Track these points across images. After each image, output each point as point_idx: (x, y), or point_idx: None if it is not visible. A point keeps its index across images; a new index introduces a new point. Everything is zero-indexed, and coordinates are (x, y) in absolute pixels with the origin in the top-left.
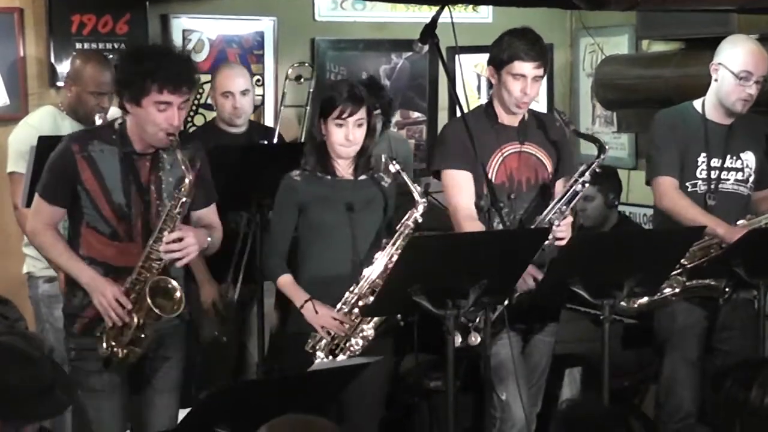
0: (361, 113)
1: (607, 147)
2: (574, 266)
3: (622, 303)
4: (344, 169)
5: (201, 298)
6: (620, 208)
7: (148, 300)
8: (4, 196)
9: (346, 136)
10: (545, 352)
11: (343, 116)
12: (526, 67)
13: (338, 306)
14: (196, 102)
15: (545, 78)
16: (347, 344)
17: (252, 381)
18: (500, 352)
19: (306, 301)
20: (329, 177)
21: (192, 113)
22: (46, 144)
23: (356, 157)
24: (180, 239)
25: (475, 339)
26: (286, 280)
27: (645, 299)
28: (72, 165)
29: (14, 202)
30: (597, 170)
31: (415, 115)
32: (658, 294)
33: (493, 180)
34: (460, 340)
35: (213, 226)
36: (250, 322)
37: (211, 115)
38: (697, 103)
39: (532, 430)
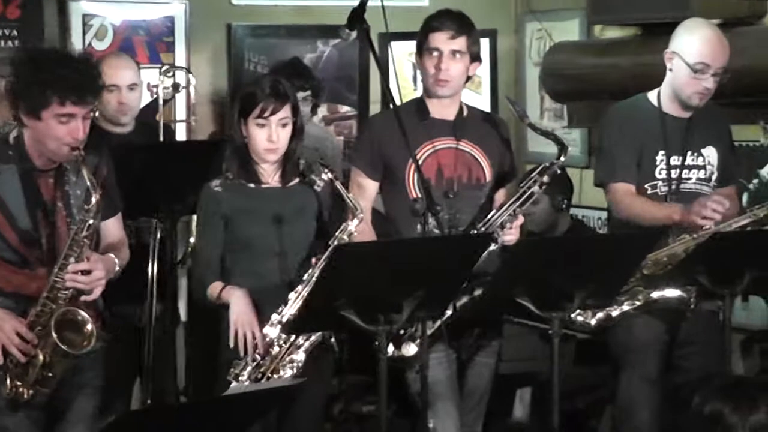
0: (286, 111)
1: (568, 146)
2: (519, 275)
3: (580, 318)
4: (270, 175)
5: None
6: (572, 211)
7: (54, 335)
8: None
9: (269, 137)
10: (485, 375)
11: (265, 115)
12: (439, 39)
13: (266, 329)
14: None
15: (488, 68)
16: (274, 373)
17: (157, 407)
18: (430, 372)
19: (240, 295)
20: (253, 185)
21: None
22: None
23: (283, 161)
24: (88, 271)
25: (410, 349)
26: (215, 286)
27: (602, 314)
28: None
29: None
30: (557, 171)
31: (344, 109)
32: (616, 308)
33: (416, 176)
34: (392, 349)
35: (118, 245)
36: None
37: None
38: (652, 95)
39: None
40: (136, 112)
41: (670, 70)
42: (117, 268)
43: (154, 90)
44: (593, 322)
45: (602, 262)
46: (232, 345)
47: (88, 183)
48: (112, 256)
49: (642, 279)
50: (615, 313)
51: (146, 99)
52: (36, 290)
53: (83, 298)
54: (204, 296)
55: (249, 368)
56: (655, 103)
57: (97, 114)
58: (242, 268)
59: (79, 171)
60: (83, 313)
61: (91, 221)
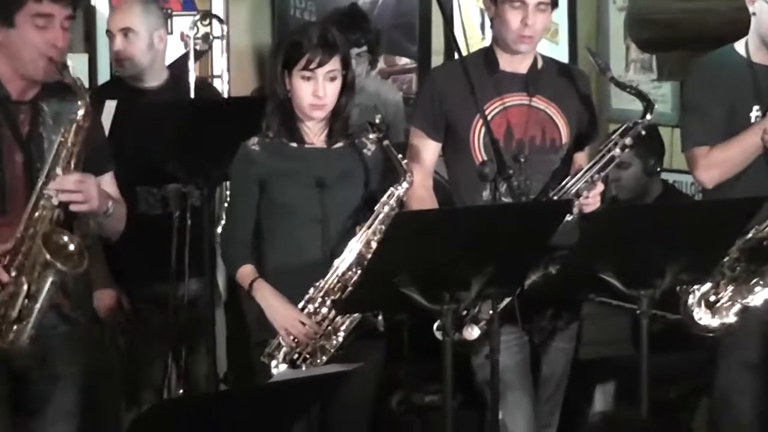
0: (335, 63)
1: (655, 103)
2: (602, 248)
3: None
4: (315, 134)
5: (94, 303)
6: (662, 175)
7: (45, 252)
8: None
9: (315, 92)
10: (561, 361)
11: (312, 67)
12: None
13: (301, 304)
14: None
15: (566, 14)
16: (312, 355)
17: (195, 396)
18: (499, 359)
19: (270, 296)
20: (295, 145)
21: None
22: None
23: (330, 119)
24: (81, 180)
25: (473, 332)
26: (245, 272)
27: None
28: None
29: None
30: (642, 132)
31: (403, 61)
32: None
33: (482, 137)
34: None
35: (109, 196)
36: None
37: None
38: (739, 45)
39: None
40: (138, 62)
41: (754, 14)
42: (110, 205)
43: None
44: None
45: (698, 232)
46: (285, 344)
47: (73, 86)
48: (105, 193)
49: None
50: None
51: (180, 50)
52: None
53: (73, 207)
54: (234, 276)
55: (284, 349)
56: (743, 53)
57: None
58: (279, 235)
59: (57, 114)
60: (68, 233)
61: (81, 123)
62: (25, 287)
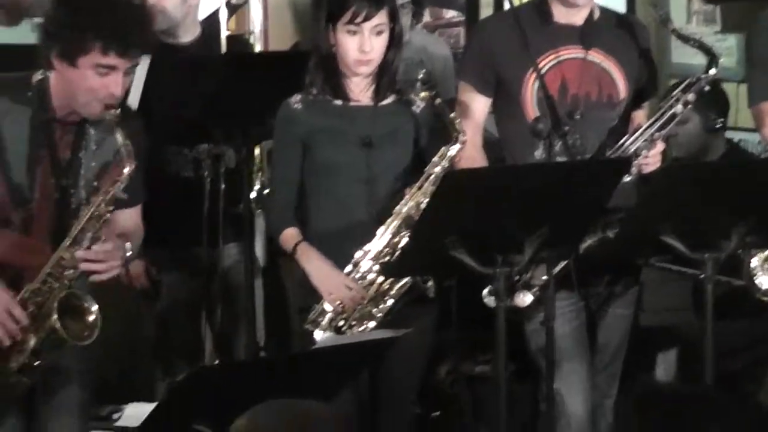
0: (381, 16)
1: (720, 57)
2: (664, 209)
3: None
4: (360, 91)
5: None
6: (727, 134)
7: (55, 318)
8: None
9: (361, 46)
10: (620, 329)
11: (357, 20)
12: None
13: (348, 268)
14: None
15: None
16: (358, 321)
17: (235, 363)
18: (554, 326)
19: (315, 260)
20: (340, 103)
21: None
22: None
23: (377, 75)
24: (106, 254)
25: (525, 298)
26: (289, 235)
27: None
28: None
29: None
30: (705, 88)
31: (450, 14)
32: None
33: (535, 92)
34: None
35: (132, 232)
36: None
37: None
38: None
39: (603, 429)
40: (171, 16)
41: None
42: (129, 254)
43: None
44: None
45: (766, 191)
46: (330, 310)
47: (122, 148)
48: (122, 242)
49: None
50: None
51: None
52: (6, 259)
53: (94, 278)
54: (277, 240)
55: (329, 315)
56: None
57: None
58: (324, 197)
59: (102, 140)
60: (89, 299)
61: (120, 195)
62: (32, 343)
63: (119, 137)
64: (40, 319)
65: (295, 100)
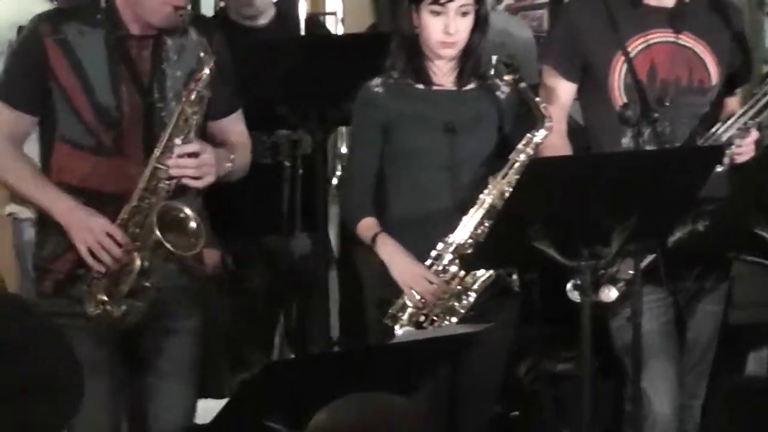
0: None
1: None
2: (758, 201)
3: None
4: (444, 75)
5: None
6: None
7: (157, 232)
8: None
9: (446, 27)
10: (709, 325)
11: (442, 1)
12: None
13: (429, 261)
14: None
15: None
16: (440, 316)
17: (311, 356)
18: (641, 322)
19: (395, 252)
20: (423, 87)
21: None
22: None
23: (460, 58)
24: (196, 154)
25: (610, 293)
26: (367, 224)
27: None
28: (40, 53)
29: None
30: None
31: None
32: None
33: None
34: None
35: (235, 144)
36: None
37: None
38: None
39: (690, 431)
40: (266, 1)
41: None
42: (228, 165)
43: None
44: None
45: None
46: (410, 304)
47: (199, 47)
48: (224, 150)
49: None
50: None
51: None
52: (113, 188)
53: (192, 183)
54: (354, 230)
55: (409, 309)
56: None
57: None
58: (404, 185)
59: (182, 48)
60: (187, 209)
61: (204, 93)
62: (138, 263)
63: (193, 35)
64: (142, 237)
65: (376, 84)
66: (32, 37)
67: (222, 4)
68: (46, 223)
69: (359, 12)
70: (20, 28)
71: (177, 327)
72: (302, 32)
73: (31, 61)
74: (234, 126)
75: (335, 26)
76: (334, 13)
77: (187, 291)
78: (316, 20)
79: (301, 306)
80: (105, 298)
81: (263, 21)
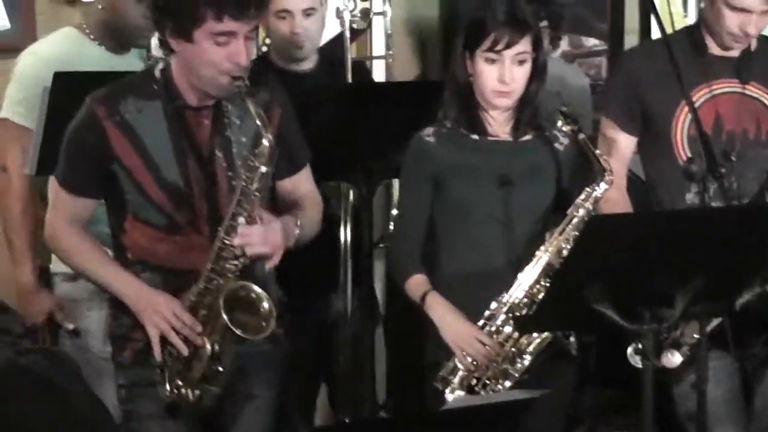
0: (525, 44)
1: None
2: None
3: None
4: (499, 125)
5: None
6: None
7: (224, 316)
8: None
9: (501, 76)
10: None
11: (498, 48)
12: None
13: (481, 321)
14: None
15: None
16: (493, 380)
17: (358, 422)
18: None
19: (445, 312)
20: (477, 137)
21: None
22: (64, 84)
23: (517, 108)
24: (265, 233)
25: (674, 358)
26: (417, 282)
27: None
28: (100, 137)
29: (1, 162)
30: None
31: (591, 42)
32: None
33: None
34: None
35: (304, 204)
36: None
37: None
38: None
39: None
40: (315, 44)
41: None
42: (297, 232)
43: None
44: None
45: None
46: (462, 367)
47: (257, 119)
48: (290, 217)
49: None
50: None
51: (334, 30)
52: (189, 263)
53: (256, 257)
54: (402, 287)
55: (461, 372)
56: None
57: (267, 44)
58: (456, 240)
59: (246, 111)
60: (257, 288)
61: (263, 169)
62: (208, 347)
63: (251, 108)
64: (212, 320)
65: (427, 133)
66: (90, 122)
67: (264, 48)
68: (117, 300)
69: (405, 58)
70: (45, 89)
71: (255, 392)
72: (349, 78)
73: (92, 147)
74: (302, 183)
75: (384, 72)
76: (384, 57)
77: (270, 356)
78: (362, 66)
79: (346, 366)
80: (179, 381)
81: (308, 66)
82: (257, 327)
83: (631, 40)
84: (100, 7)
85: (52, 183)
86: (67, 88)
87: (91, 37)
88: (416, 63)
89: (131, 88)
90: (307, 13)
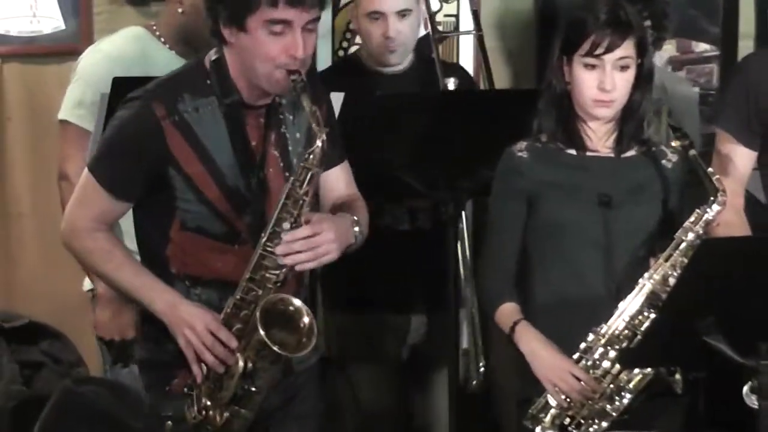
0: (627, 48)
1: None
2: None
3: None
4: (599, 139)
5: None
6: None
7: (261, 331)
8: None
9: (602, 84)
10: None
11: (598, 52)
12: None
13: (576, 355)
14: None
15: None
16: (588, 419)
17: None
18: None
19: (537, 343)
20: (575, 152)
21: (345, 43)
22: (125, 90)
23: (619, 120)
24: (312, 235)
25: None
26: (507, 311)
27: None
28: (159, 139)
29: (62, 168)
30: None
31: (701, 47)
32: None
33: None
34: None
35: (353, 205)
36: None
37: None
38: None
39: None
40: (409, 49)
41: None
42: (357, 230)
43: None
44: None
45: None
46: (554, 404)
47: (311, 118)
48: (347, 215)
49: None
50: None
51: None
52: (224, 275)
53: (300, 268)
54: (491, 316)
55: (553, 410)
56: None
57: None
58: (550, 263)
59: (296, 105)
60: (297, 301)
61: (314, 170)
62: (240, 365)
63: (306, 104)
64: (247, 335)
65: (520, 148)
66: (148, 121)
67: (353, 48)
68: (151, 318)
69: (496, 60)
70: (103, 96)
71: (301, 411)
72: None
73: (148, 149)
74: (341, 178)
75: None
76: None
77: (318, 370)
78: (460, 68)
79: (423, 398)
80: (208, 402)
81: (402, 66)
82: (297, 344)
83: (746, 45)
84: (180, 11)
85: (86, 178)
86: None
87: (162, 39)
88: (509, 70)
89: (185, 85)
90: (402, 14)
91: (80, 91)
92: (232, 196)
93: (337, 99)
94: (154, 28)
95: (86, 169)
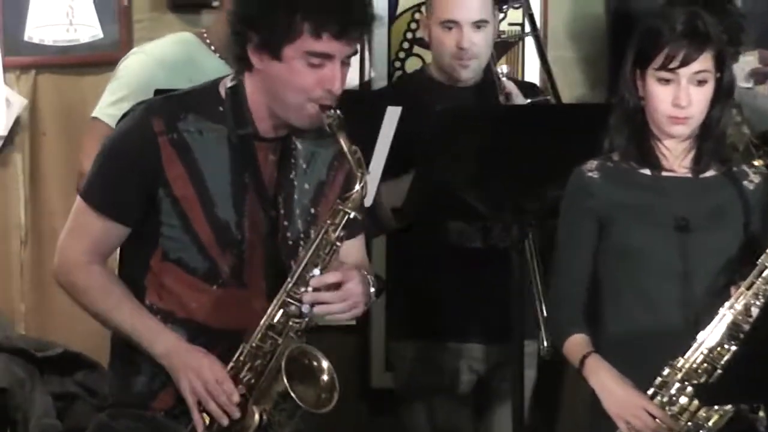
0: (705, 61)
1: None
2: None
3: None
4: (676, 158)
5: None
6: None
7: (284, 380)
8: None
9: (676, 99)
10: None
11: (673, 65)
12: None
13: (651, 390)
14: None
15: None
16: None
17: None
18: None
19: (608, 378)
20: (649, 172)
21: (402, 53)
22: None
23: (697, 138)
24: (338, 285)
25: None
26: (576, 342)
27: None
28: (153, 154)
29: (82, 167)
30: None
31: None
32: None
33: None
34: None
35: (363, 270)
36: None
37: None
38: None
39: None
40: (482, 64)
41: None
42: (372, 291)
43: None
44: None
45: None
46: None
47: (350, 158)
48: (365, 273)
49: None
50: None
51: None
52: (223, 321)
53: (329, 317)
54: (560, 348)
55: None
56: None
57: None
58: (623, 291)
59: (313, 156)
60: (319, 354)
61: (351, 215)
62: (256, 418)
63: (343, 143)
64: (263, 385)
65: (591, 168)
66: (143, 135)
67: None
68: (129, 352)
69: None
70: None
71: None
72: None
73: (141, 164)
74: (355, 249)
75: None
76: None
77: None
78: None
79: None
80: None
81: (473, 79)
82: (316, 400)
83: None
84: None
85: (77, 204)
86: None
87: (212, 47)
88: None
89: (193, 105)
90: (477, 25)
91: (118, 90)
92: (218, 230)
93: (393, 114)
94: (205, 35)
95: (78, 196)
